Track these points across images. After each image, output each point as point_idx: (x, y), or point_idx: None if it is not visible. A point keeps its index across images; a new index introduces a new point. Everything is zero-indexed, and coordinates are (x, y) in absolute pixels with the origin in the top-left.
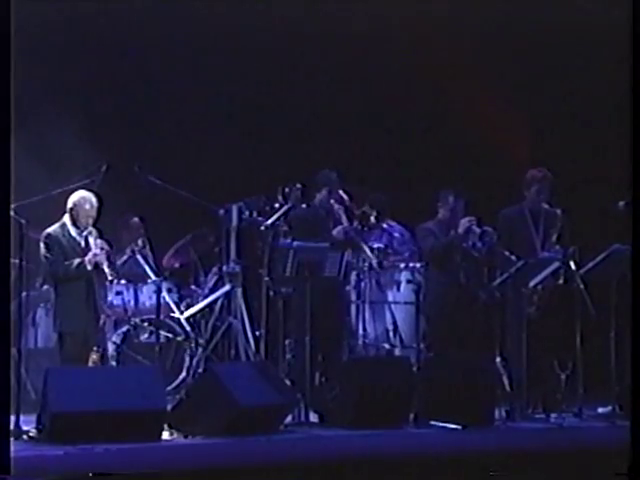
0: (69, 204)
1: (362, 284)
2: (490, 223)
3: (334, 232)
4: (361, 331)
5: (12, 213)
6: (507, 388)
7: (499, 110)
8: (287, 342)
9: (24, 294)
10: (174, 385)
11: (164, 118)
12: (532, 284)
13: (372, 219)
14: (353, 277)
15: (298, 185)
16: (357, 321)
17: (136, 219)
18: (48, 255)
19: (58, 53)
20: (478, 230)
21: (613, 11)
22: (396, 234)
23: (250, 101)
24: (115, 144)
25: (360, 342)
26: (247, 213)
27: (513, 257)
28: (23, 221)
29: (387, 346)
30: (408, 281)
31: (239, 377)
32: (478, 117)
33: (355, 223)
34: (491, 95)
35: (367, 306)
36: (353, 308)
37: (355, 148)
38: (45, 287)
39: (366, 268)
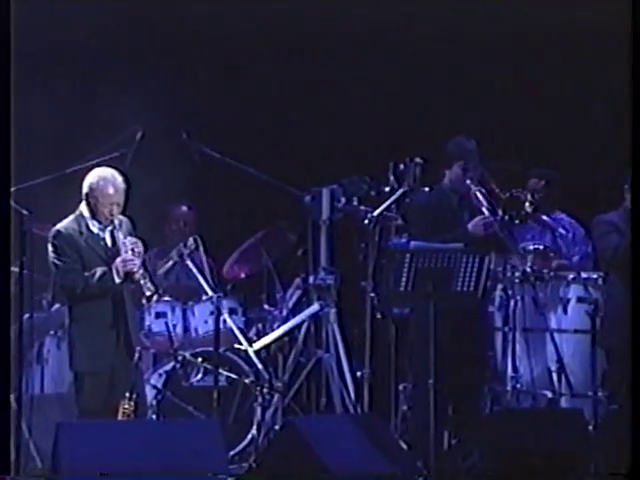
0: (85, 188)
1: (511, 303)
2: None
3: (470, 226)
4: (510, 371)
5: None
6: None
7: None
8: (402, 387)
9: (26, 317)
10: (240, 448)
11: (218, 66)
12: None
13: (527, 207)
14: (498, 293)
15: (418, 159)
16: (504, 357)
17: (184, 208)
18: (59, 261)
19: None
20: None
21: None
22: (562, 230)
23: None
24: (155, 102)
25: (509, 387)
26: (344, 200)
27: None
28: (24, 212)
29: (549, 394)
30: (580, 299)
31: (332, 436)
32: None
33: (501, 213)
34: None
35: (519, 335)
36: (498, 338)
37: (500, 108)
38: (56, 307)
39: (517, 280)
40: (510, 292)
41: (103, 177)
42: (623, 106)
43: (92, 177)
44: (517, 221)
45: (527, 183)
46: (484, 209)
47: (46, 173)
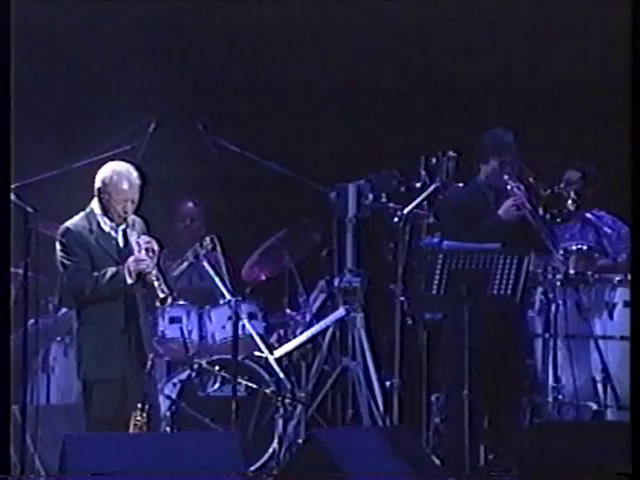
0: (97, 183)
1: (552, 307)
2: None
3: (501, 212)
4: (551, 381)
5: (13, 197)
6: None
7: None
8: (434, 397)
9: (31, 322)
10: (260, 463)
11: (236, 57)
12: None
13: (569, 205)
14: (538, 296)
15: (451, 153)
16: (545, 366)
17: (200, 205)
18: (68, 261)
19: None
20: None
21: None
22: (607, 228)
23: None
24: (169, 91)
25: (550, 399)
26: (371, 197)
27: None
28: (29, 209)
29: (593, 406)
30: (627, 303)
31: (359, 451)
32: None
33: (541, 211)
34: None
35: (561, 342)
36: (538, 345)
37: (539, 98)
38: (63, 311)
39: (558, 282)
40: (551, 296)
41: (117, 172)
42: (623, 107)
43: (105, 171)
44: (558, 219)
45: (562, 176)
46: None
47: (52, 167)
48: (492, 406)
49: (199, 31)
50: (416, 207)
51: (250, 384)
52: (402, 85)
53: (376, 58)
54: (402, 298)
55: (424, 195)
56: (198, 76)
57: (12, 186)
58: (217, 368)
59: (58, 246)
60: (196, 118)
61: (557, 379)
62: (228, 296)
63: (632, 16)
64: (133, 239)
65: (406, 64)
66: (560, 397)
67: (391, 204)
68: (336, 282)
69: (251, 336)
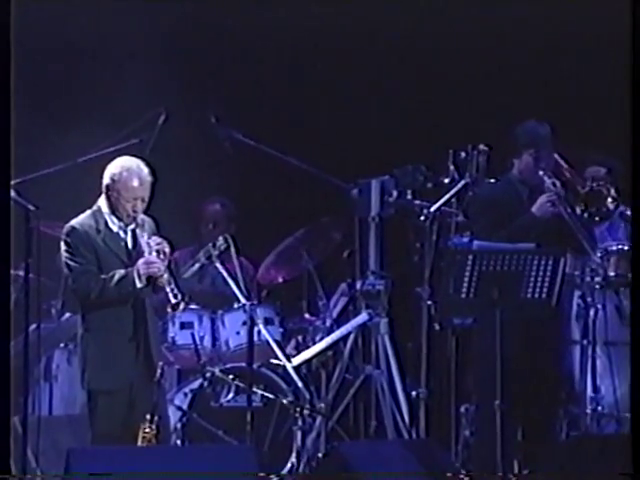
0: (105, 179)
1: (591, 312)
2: None
3: (534, 209)
4: (590, 391)
5: (13, 194)
6: None
7: None
8: (463, 408)
9: (33, 327)
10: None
11: (251, 46)
12: None
13: (609, 203)
14: (575, 300)
15: (482, 146)
16: (583, 375)
17: (216, 205)
18: (73, 262)
19: None
20: None
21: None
22: None
23: None
24: (179, 81)
25: (588, 410)
26: (396, 193)
27: None
28: (31, 207)
29: None
30: None
31: (383, 465)
32: None
33: (579, 209)
34: None
35: (600, 349)
36: (576, 353)
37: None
38: (67, 316)
39: (597, 285)
40: (589, 299)
41: (127, 168)
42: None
43: (114, 167)
44: (597, 218)
45: (585, 171)
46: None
47: (55, 162)
48: (526, 418)
49: (214, 20)
50: (444, 204)
51: (266, 394)
52: (430, 74)
53: (405, 46)
54: (429, 302)
55: (453, 192)
56: (210, 66)
57: (12, 182)
58: (231, 377)
59: (63, 246)
60: (208, 110)
61: (596, 389)
62: (243, 300)
63: None
64: (143, 240)
65: (435, 53)
66: (599, 408)
67: (417, 201)
68: (358, 285)
69: (267, 342)
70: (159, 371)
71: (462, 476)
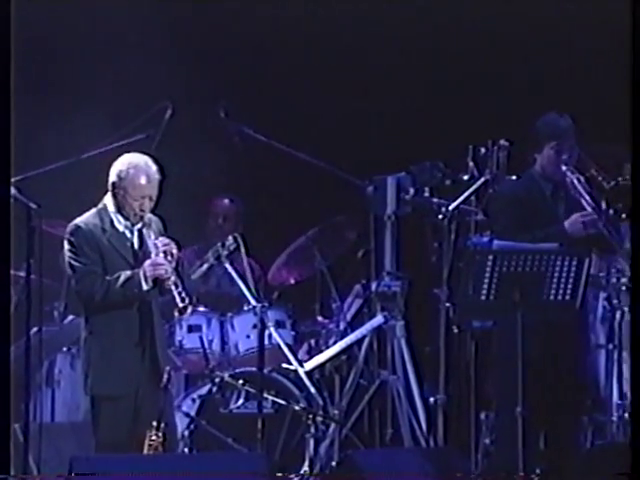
0: (111, 176)
1: (617, 315)
2: None
3: (567, 225)
4: (616, 398)
5: (13, 191)
6: None
7: None
8: (483, 415)
9: (34, 330)
10: None
11: (261, 38)
12: None
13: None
14: (601, 303)
15: (502, 141)
16: (608, 380)
17: (225, 201)
18: (77, 262)
19: None
20: None
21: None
22: None
23: None
24: (187, 74)
25: (614, 417)
26: (412, 190)
27: None
28: (32, 205)
29: None
30: None
31: (399, 474)
32: None
33: (605, 207)
34: None
35: (627, 354)
36: (601, 358)
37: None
38: (70, 318)
39: (624, 287)
40: (615, 302)
41: (135, 165)
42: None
43: (121, 164)
44: (623, 215)
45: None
46: (584, 201)
47: (58, 158)
48: (548, 425)
49: (224, 12)
50: (463, 202)
51: (278, 400)
52: (448, 67)
53: (424, 40)
54: (447, 304)
55: (472, 189)
56: (219, 59)
57: (13, 179)
58: (241, 382)
59: (66, 245)
60: (217, 104)
61: (622, 395)
62: (253, 302)
63: None
64: (150, 240)
65: (454, 47)
66: (626, 415)
67: (435, 199)
68: (373, 286)
69: (278, 346)
70: (166, 376)
71: None
